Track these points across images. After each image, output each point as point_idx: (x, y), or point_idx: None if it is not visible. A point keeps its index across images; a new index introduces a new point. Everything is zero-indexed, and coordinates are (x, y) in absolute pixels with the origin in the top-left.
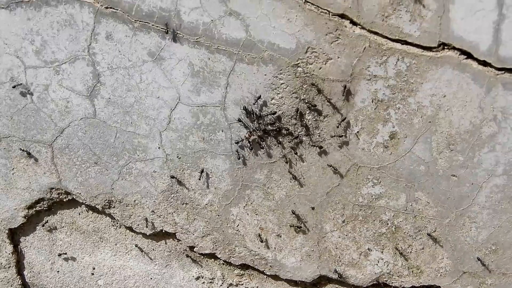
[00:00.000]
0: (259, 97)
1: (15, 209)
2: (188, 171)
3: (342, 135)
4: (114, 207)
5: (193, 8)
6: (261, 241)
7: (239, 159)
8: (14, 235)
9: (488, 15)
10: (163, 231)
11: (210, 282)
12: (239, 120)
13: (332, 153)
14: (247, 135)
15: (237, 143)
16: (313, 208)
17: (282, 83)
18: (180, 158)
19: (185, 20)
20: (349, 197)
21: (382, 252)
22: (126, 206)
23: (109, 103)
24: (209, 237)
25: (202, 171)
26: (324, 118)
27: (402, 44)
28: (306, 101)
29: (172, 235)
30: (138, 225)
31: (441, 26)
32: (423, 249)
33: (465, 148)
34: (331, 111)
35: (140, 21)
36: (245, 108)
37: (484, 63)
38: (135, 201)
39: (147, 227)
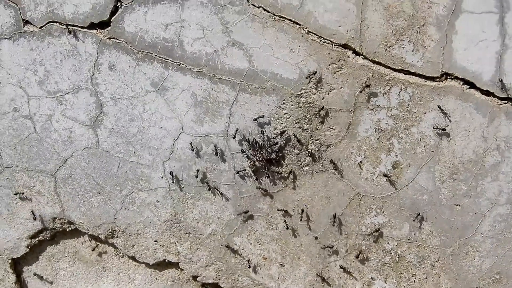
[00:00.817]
0: (262, 116)
1: (18, 239)
2: (191, 201)
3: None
4: (117, 237)
5: (196, 38)
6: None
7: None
8: (17, 264)
9: (490, 45)
10: (166, 260)
11: None
12: (242, 151)
13: (335, 183)
14: (250, 165)
15: (237, 173)
16: (316, 238)
17: (285, 113)
18: (183, 188)
19: (188, 51)
20: (352, 226)
21: (385, 282)
22: (129, 235)
23: (112, 133)
24: (212, 267)
25: (198, 171)
26: (327, 148)
27: (405, 74)
28: (309, 131)
29: (175, 265)
30: (141, 254)
31: (444, 56)
32: (426, 278)
33: (468, 178)
34: (334, 141)
35: (143, 52)
36: (248, 140)
37: (487, 93)
38: (138, 230)
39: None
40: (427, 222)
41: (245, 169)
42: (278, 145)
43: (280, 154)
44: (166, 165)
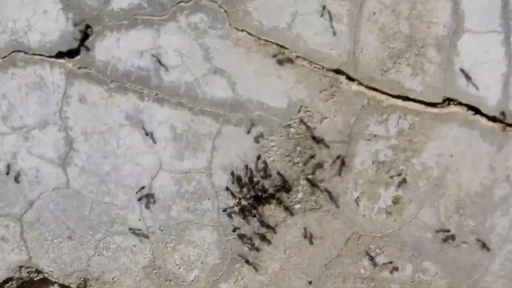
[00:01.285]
0: (253, 125)
1: None
2: (172, 244)
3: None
4: (90, 286)
5: (174, 66)
6: None
7: (234, 231)
8: None
9: (496, 67)
10: None
11: None
12: (227, 189)
13: (330, 221)
14: (236, 202)
15: (224, 211)
16: (310, 282)
17: (273, 146)
18: (162, 230)
19: (165, 80)
20: (349, 269)
21: None
22: (104, 284)
23: (84, 172)
24: None
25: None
26: (320, 183)
27: (404, 100)
28: (300, 165)
29: None
30: None
31: (446, 80)
32: None
33: (476, 212)
34: (328, 175)
35: (116, 82)
36: (232, 173)
37: (494, 119)
38: (113, 278)
39: None
40: (432, 262)
41: (232, 207)
42: (265, 180)
43: (268, 191)
44: (142, 206)
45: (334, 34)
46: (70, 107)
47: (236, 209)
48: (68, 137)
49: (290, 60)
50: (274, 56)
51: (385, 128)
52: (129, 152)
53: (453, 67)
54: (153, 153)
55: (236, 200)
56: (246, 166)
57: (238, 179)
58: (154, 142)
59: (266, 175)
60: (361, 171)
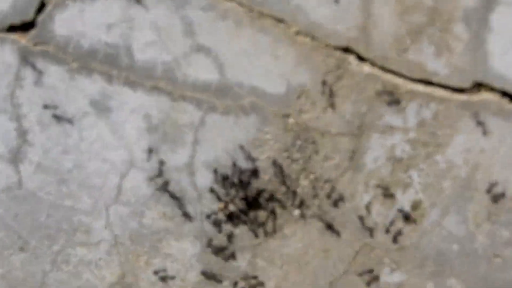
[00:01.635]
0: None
1: None
2: (145, 257)
3: None
4: None
5: (148, 42)
6: None
7: (208, 246)
8: None
9: None
10: None
11: None
12: (212, 190)
13: (336, 230)
14: (221, 207)
15: (208, 217)
16: None
17: (268, 139)
18: (133, 240)
19: (138, 59)
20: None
21: None
22: None
23: (40, 169)
24: None
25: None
26: (324, 184)
27: (426, 85)
28: (301, 162)
29: None
30: None
31: (476, 61)
32: None
33: None
34: (334, 175)
35: (79, 61)
36: (215, 171)
37: None
38: None
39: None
40: (458, 280)
41: (216, 213)
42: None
43: (260, 194)
44: (111, 211)
45: (341, 4)
46: (23, 91)
47: (222, 215)
48: (21, 128)
49: (289, 37)
50: (269, 31)
51: (402, 119)
52: (94, 146)
53: (485, 46)
54: (123, 147)
55: (222, 204)
56: (234, 164)
57: (225, 179)
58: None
59: (254, 175)
60: (373, 170)
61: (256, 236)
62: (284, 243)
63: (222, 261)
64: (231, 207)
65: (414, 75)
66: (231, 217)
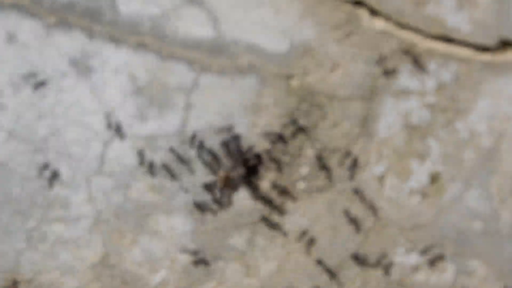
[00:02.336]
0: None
1: None
2: (130, 235)
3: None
4: None
5: None
6: None
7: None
8: None
9: None
10: None
11: None
12: (211, 154)
13: (344, 206)
14: (221, 175)
15: (207, 187)
16: (318, 287)
17: (268, 103)
18: (118, 216)
19: (123, 12)
20: (370, 270)
21: None
22: None
23: (11, 137)
24: None
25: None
26: (332, 154)
27: (446, 43)
28: (306, 129)
29: None
30: None
31: (502, 16)
32: None
33: None
34: (343, 143)
35: (56, 15)
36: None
37: None
38: (51, 281)
39: None
40: (481, 261)
41: (215, 182)
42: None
43: (260, 164)
44: (92, 183)
45: None
46: None
47: (220, 186)
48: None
49: None
50: None
51: (420, 81)
52: (73, 110)
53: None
54: (106, 111)
55: (223, 174)
56: (232, 133)
57: (225, 145)
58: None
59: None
60: (386, 139)
61: (255, 212)
62: (286, 219)
63: (216, 238)
64: (231, 173)
65: (432, 32)
66: (231, 187)
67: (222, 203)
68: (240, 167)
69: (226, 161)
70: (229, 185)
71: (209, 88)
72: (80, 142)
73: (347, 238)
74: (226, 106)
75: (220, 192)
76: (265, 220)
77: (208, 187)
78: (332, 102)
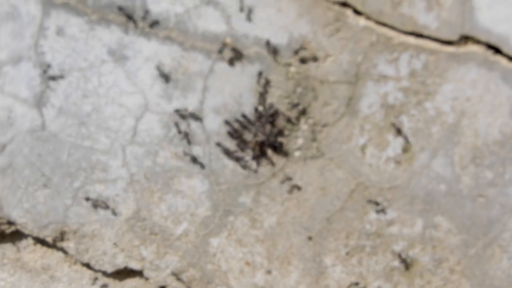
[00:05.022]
0: (260, 74)
1: None
2: (158, 194)
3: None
4: (68, 239)
5: None
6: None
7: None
8: None
9: None
10: (128, 268)
11: None
12: (227, 123)
13: (333, 170)
14: (253, 142)
15: (227, 153)
16: (310, 238)
17: (271, 86)
18: (148, 178)
19: (153, 11)
20: (354, 223)
21: None
22: (83, 237)
23: (61, 113)
24: (184, 275)
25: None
26: (323, 128)
27: (417, 37)
28: (301, 108)
29: (138, 273)
30: (97, 261)
31: (464, 15)
32: (445, 285)
33: (494, 163)
34: (332, 119)
35: (98, 13)
36: (227, 123)
37: None
38: (93, 231)
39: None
40: (445, 217)
41: (251, 148)
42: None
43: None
44: (127, 151)
45: None
46: (46, 41)
47: (252, 150)
48: (44, 75)
49: None
50: None
51: (395, 68)
52: (111, 91)
53: (472, 1)
54: (138, 92)
55: (253, 143)
56: (255, 109)
57: (245, 118)
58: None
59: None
60: (368, 115)
61: (258, 176)
62: (285, 182)
63: (228, 197)
64: (259, 139)
65: (406, 28)
66: (260, 151)
67: (253, 168)
68: (265, 133)
69: (254, 130)
70: (260, 150)
71: (223, 74)
72: (116, 117)
73: (334, 196)
74: (237, 89)
75: (252, 158)
76: (268, 182)
77: (236, 157)
78: (323, 85)
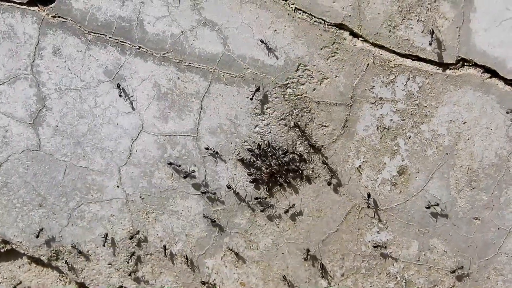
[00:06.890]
0: (258, 89)
1: None
2: (153, 214)
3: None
4: (63, 259)
5: (159, 17)
6: None
7: (262, 211)
8: None
9: None
10: (123, 287)
11: None
12: (254, 156)
13: (328, 192)
14: (267, 172)
15: (253, 182)
16: (305, 259)
17: (268, 108)
18: (143, 198)
19: (149, 32)
20: (349, 245)
21: None
22: (78, 257)
23: (57, 133)
24: None
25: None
26: (319, 150)
27: (413, 60)
28: (297, 129)
29: None
30: (92, 280)
31: (460, 39)
32: None
33: (490, 186)
34: (328, 141)
35: (94, 33)
36: (251, 150)
37: None
38: (88, 251)
39: (104, 245)
40: (440, 239)
41: (260, 176)
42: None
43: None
44: (122, 171)
45: None
46: (42, 61)
47: (265, 177)
48: (40, 94)
49: (288, 13)
50: (270, 7)
51: (391, 91)
52: (107, 111)
53: (469, 25)
54: (134, 113)
55: (267, 169)
56: (255, 94)
57: (261, 149)
58: (129, 100)
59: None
60: (364, 138)
61: (253, 198)
62: (280, 203)
63: (224, 219)
64: (273, 169)
65: (403, 51)
66: (272, 178)
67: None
68: (277, 164)
69: (265, 163)
70: (272, 179)
71: (219, 95)
72: (112, 137)
73: (330, 218)
74: (232, 110)
75: (265, 186)
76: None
77: (253, 182)
78: (319, 107)
